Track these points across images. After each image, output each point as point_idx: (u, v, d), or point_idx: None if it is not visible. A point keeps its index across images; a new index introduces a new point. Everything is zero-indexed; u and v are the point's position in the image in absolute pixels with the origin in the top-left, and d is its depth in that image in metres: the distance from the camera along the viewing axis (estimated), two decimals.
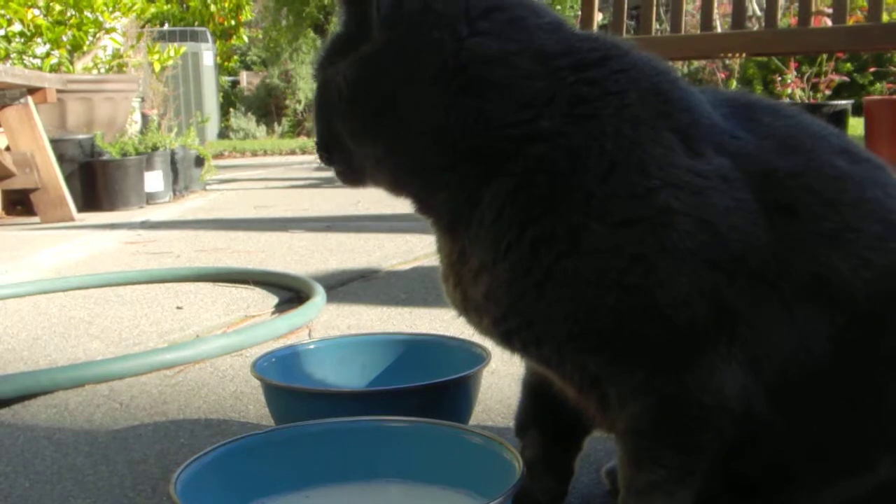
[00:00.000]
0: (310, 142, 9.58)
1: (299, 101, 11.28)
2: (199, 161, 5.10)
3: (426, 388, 1.10)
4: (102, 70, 5.61)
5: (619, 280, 0.77)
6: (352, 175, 0.89)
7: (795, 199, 0.80)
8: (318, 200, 4.53)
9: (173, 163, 4.76)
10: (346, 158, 0.87)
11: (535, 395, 0.98)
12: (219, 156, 8.05)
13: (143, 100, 6.45)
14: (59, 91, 4.21)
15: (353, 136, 0.84)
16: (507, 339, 0.85)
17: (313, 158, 8.14)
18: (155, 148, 4.58)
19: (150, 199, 4.53)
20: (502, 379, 1.42)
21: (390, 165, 0.85)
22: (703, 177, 0.78)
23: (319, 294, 1.99)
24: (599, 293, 0.77)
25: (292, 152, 8.82)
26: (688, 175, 0.78)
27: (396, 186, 0.87)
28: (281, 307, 2.10)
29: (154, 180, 4.55)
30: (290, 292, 2.21)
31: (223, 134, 11.03)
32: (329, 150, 0.88)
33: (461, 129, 0.80)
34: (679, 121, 0.80)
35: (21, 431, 1.31)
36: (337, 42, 0.87)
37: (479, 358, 1.18)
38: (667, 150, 0.79)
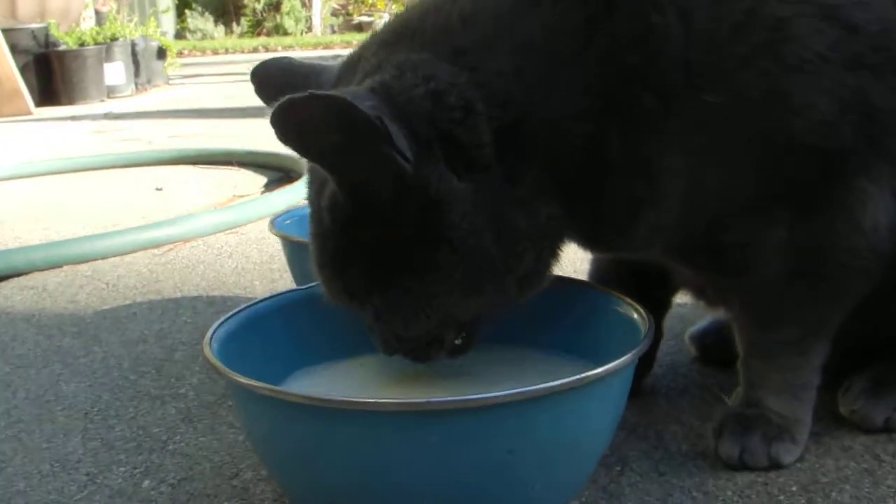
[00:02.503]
0: (272, 40, 9.21)
1: (258, 0, 10.80)
2: (162, 53, 4.81)
3: None
4: None
5: (757, 129, 0.64)
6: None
7: None
8: None
9: (134, 54, 4.46)
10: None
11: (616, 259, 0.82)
12: (179, 54, 7.68)
13: None
14: None
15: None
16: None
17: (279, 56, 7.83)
18: (114, 38, 4.29)
19: (110, 92, 4.25)
20: None
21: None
22: None
23: None
24: (741, 152, 0.65)
25: (255, 50, 8.46)
26: None
27: None
28: (270, 186, 1.91)
29: (115, 72, 4.26)
30: (279, 172, 2.02)
31: (179, 35, 10.52)
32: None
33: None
34: None
35: None
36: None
37: None
38: None
